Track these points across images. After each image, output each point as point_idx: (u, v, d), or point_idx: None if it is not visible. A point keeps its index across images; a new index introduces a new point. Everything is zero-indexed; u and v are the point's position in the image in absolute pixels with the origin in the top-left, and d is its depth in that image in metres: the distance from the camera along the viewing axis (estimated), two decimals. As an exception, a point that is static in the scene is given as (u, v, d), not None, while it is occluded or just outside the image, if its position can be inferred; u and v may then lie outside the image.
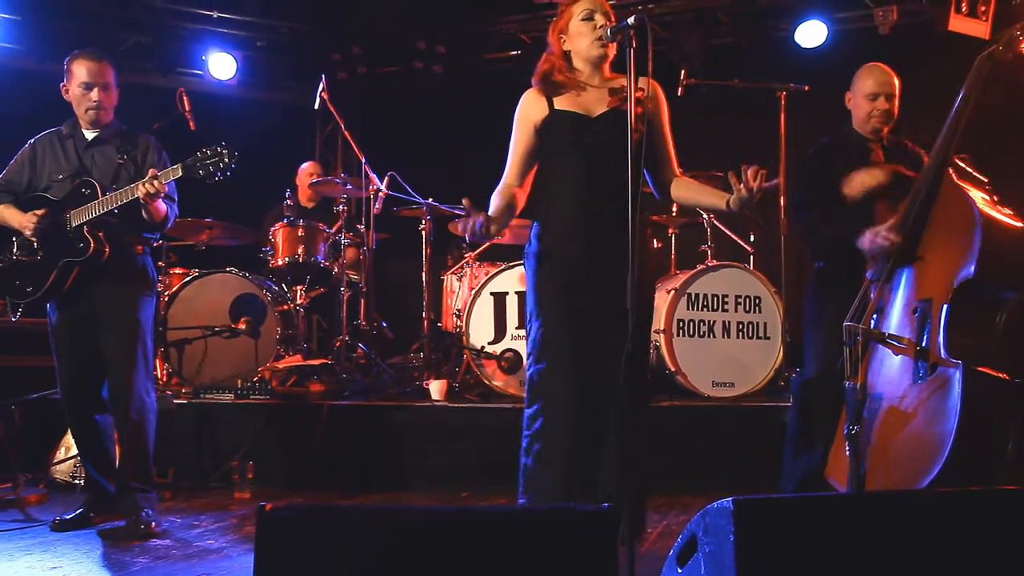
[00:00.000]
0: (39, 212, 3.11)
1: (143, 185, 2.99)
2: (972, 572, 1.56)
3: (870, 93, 2.97)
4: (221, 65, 5.97)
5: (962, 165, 2.71)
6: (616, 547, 1.56)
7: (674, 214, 4.76)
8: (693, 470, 3.66)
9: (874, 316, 2.66)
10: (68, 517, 3.16)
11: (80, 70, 3.15)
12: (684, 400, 4.08)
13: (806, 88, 4.48)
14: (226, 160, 2.98)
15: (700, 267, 4.28)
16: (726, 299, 4.20)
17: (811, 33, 5.42)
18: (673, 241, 4.78)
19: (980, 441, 2.37)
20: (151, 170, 3.05)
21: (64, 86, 3.21)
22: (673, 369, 4.11)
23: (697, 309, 4.18)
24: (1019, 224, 2.60)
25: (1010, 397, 2.44)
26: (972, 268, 2.44)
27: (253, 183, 3.24)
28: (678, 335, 4.14)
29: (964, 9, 4.43)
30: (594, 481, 2.48)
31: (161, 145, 3.32)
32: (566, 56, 2.66)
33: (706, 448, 3.77)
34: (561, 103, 2.61)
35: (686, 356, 4.13)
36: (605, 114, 2.59)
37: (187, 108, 3.66)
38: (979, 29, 4.48)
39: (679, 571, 1.68)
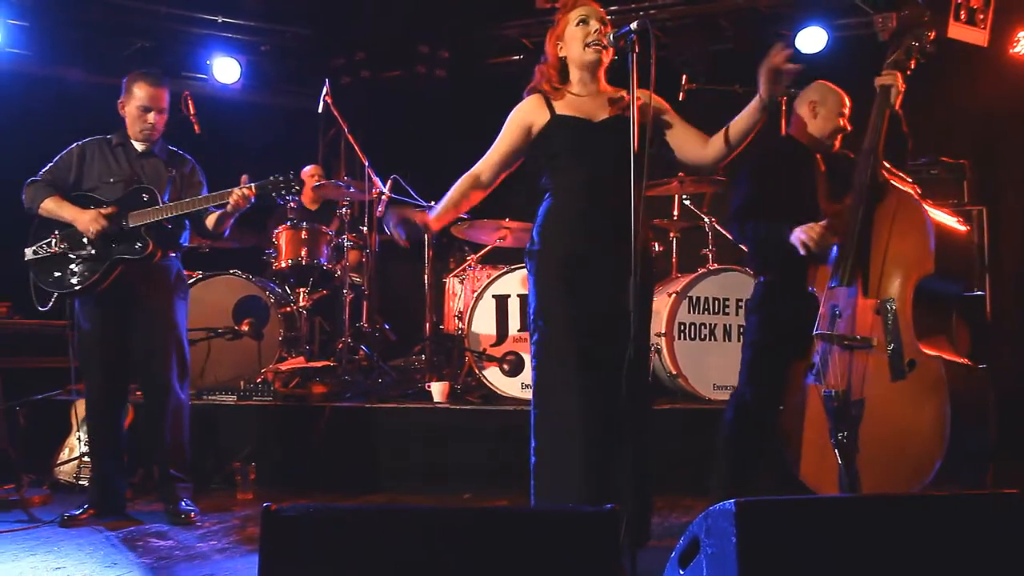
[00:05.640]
0: (105, 211, 3.18)
1: (238, 191, 3.13)
2: (973, 575, 1.57)
3: (844, 110, 3.05)
4: (225, 69, 6.01)
5: (889, 166, 2.78)
6: (619, 548, 1.57)
7: (675, 218, 4.78)
8: (695, 472, 3.66)
9: (837, 321, 2.69)
10: (75, 513, 3.22)
11: (140, 92, 3.28)
12: (685, 403, 4.09)
13: (806, 93, 4.49)
14: (296, 187, 3.18)
15: (701, 271, 4.29)
16: (727, 303, 4.22)
17: (812, 39, 5.45)
18: (674, 245, 4.79)
19: (971, 431, 2.41)
20: (243, 176, 3.18)
21: (121, 102, 3.33)
22: (674, 372, 4.12)
23: (698, 312, 4.19)
24: (959, 223, 2.71)
25: (984, 385, 2.53)
26: (930, 265, 2.53)
27: (257, 186, 3.30)
28: (679, 338, 4.16)
29: (963, 17, 4.46)
30: (603, 482, 2.46)
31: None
32: (561, 63, 2.66)
33: (708, 451, 3.77)
34: (562, 108, 2.62)
35: (687, 359, 4.14)
36: (607, 120, 2.60)
37: (192, 112, 3.69)
38: (978, 36, 4.51)
39: (681, 573, 1.68)
